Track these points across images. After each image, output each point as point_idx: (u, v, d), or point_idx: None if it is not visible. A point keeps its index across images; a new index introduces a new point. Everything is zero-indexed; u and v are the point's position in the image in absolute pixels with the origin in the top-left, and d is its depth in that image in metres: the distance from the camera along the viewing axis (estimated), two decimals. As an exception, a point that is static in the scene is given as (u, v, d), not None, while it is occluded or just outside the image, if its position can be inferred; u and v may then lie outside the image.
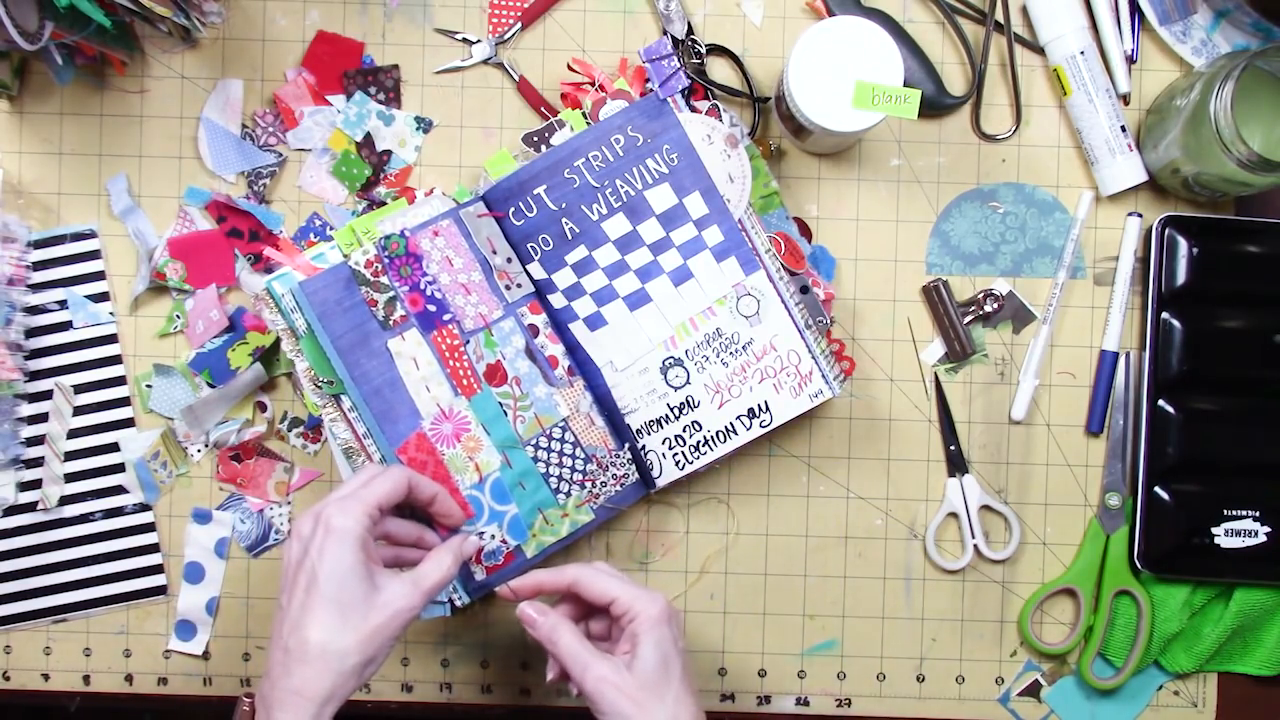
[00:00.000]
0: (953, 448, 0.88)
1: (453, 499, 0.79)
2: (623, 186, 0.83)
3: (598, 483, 0.83)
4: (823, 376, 0.84)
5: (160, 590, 0.88)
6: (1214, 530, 0.85)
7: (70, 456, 0.88)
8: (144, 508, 0.88)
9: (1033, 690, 0.89)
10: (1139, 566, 0.86)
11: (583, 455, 0.83)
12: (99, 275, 0.88)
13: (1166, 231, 0.85)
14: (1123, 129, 0.85)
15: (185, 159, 0.88)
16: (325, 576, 0.69)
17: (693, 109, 0.84)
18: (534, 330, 0.83)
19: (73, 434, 0.88)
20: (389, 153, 0.87)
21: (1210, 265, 0.85)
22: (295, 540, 0.72)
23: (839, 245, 0.88)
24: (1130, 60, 0.87)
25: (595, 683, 0.71)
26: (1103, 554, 0.88)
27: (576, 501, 0.83)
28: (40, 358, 0.87)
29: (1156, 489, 0.85)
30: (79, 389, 0.88)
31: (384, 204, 0.86)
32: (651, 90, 0.83)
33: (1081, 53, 0.85)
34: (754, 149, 0.84)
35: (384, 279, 0.80)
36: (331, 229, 0.87)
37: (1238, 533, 0.85)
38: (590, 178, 0.83)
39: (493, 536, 0.81)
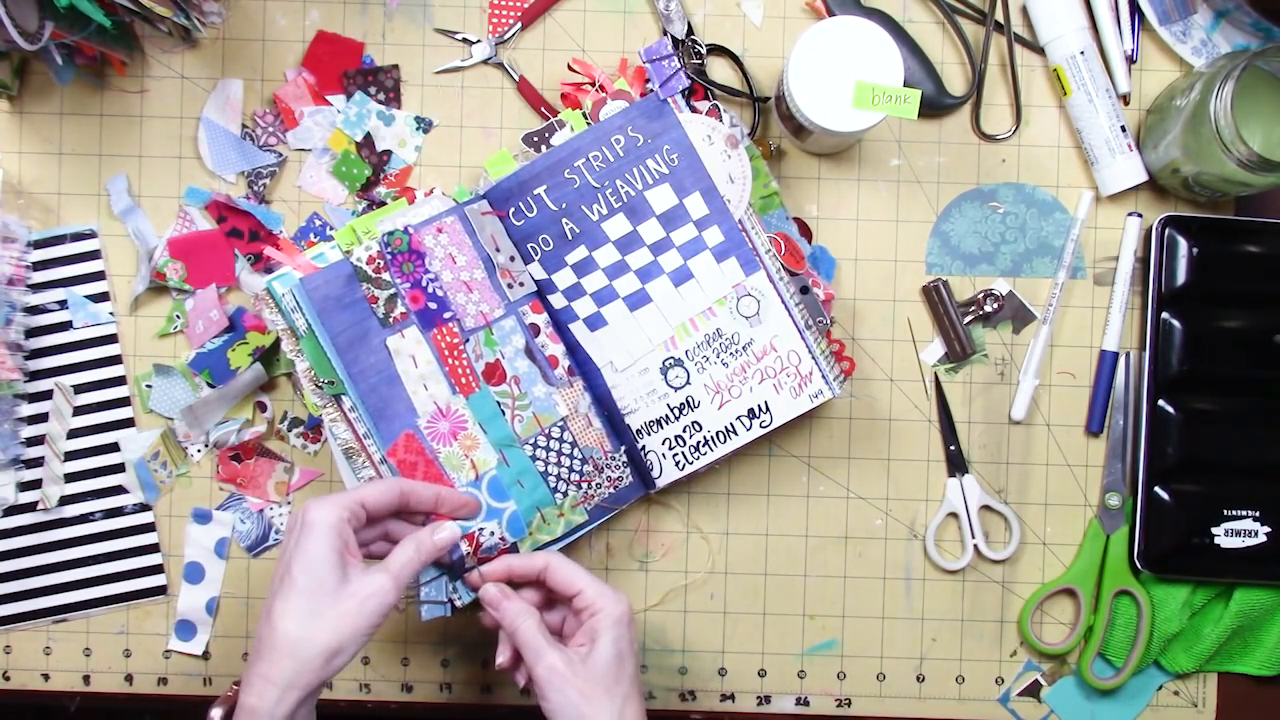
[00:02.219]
0: (953, 448, 0.88)
1: (457, 494, 0.79)
2: (623, 187, 0.83)
3: (593, 484, 0.83)
4: (823, 377, 0.84)
5: (160, 590, 0.88)
6: (1214, 530, 0.85)
7: (70, 456, 0.88)
8: (144, 508, 0.88)
9: (1033, 690, 0.89)
10: (1139, 566, 0.86)
11: (579, 456, 0.83)
12: (99, 275, 0.88)
13: (1166, 231, 0.85)
14: (1123, 129, 0.85)
15: (185, 159, 0.88)
16: (298, 567, 0.70)
17: (693, 109, 0.84)
18: (535, 329, 0.83)
19: (73, 434, 0.88)
20: (389, 153, 0.87)
21: (1210, 265, 0.85)
22: (285, 535, 0.73)
23: (839, 245, 0.88)
24: (1130, 60, 0.87)
25: (546, 672, 0.72)
26: (1103, 554, 0.88)
27: (572, 502, 0.83)
28: (40, 358, 0.87)
29: (1156, 489, 0.85)
30: (79, 389, 0.88)
31: (384, 204, 0.86)
32: (652, 90, 0.83)
33: (1081, 53, 0.85)
34: (754, 149, 0.84)
35: (385, 276, 0.80)
36: (331, 229, 0.87)
37: (1238, 533, 0.85)
38: (590, 178, 0.83)
39: (491, 533, 0.81)
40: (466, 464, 0.81)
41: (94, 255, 0.87)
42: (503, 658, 0.76)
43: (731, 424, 0.84)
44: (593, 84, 0.85)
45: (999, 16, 0.87)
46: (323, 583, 0.70)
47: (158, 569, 0.88)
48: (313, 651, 0.69)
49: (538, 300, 0.83)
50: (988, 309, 0.88)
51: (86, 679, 0.89)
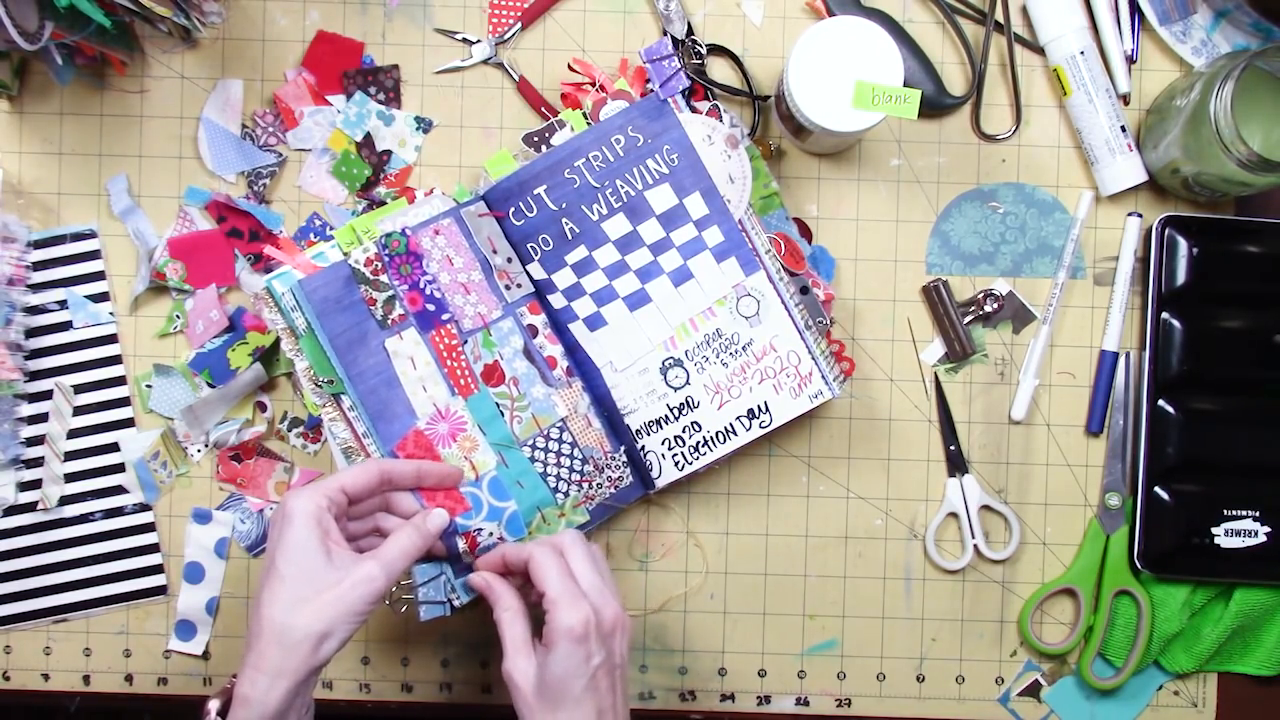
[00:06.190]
0: (953, 448, 0.88)
1: (439, 465, 0.80)
2: (623, 187, 0.83)
3: (593, 484, 0.83)
4: (822, 377, 0.84)
5: (160, 590, 0.88)
6: (1214, 530, 0.85)
7: (70, 456, 0.88)
8: (144, 508, 0.88)
9: (1033, 690, 0.89)
10: (1139, 566, 0.86)
11: (580, 456, 0.83)
12: (99, 275, 0.88)
13: (1166, 231, 0.85)
14: (1123, 129, 0.85)
15: (185, 159, 0.88)
16: (281, 557, 0.70)
17: (693, 109, 0.84)
18: (533, 330, 0.83)
19: (73, 434, 0.88)
20: (389, 153, 0.87)
21: (1210, 265, 0.85)
22: (270, 528, 0.74)
23: (839, 245, 0.88)
24: (1130, 60, 0.87)
25: (505, 674, 0.72)
26: (1103, 554, 0.88)
27: (574, 502, 0.83)
28: (40, 358, 0.87)
29: (1156, 489, 0.85)
30: (79, 389, 0.88)
31: (384, 204, 0.86)
32: (652, 90, 0.83)
33: (1081, 53, 0.85)
34: (754, 149, 0.84)
35: (383, 277, 0.80)
36: (331, 229, 0.87)
37: (1238, 533, 0.85)
38: (590, 178, 0.83)
39: (490, 534, 0.81)
40: (466, 465, 0.81)
41: (94, 255, 0.87)
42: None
43: (731, 424, 0.84)
44: (593, 84, 0.85)
45: (999, 16, 0.87)
46: (306, 570, 0.70)
47: (158, 569, 0.88)
48: (298, 637, 0.69)
49: (535, 301, 0.83)
50: (988, 309, 0.88)
51: (86, 679, 0.89)
